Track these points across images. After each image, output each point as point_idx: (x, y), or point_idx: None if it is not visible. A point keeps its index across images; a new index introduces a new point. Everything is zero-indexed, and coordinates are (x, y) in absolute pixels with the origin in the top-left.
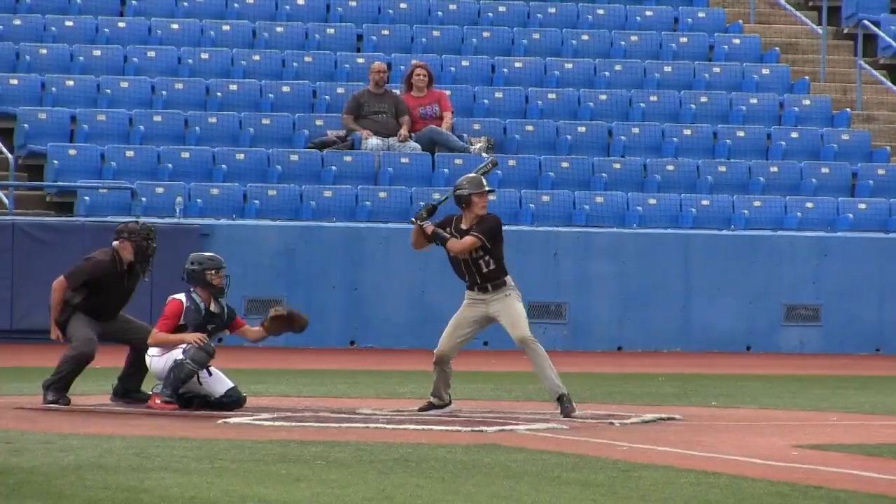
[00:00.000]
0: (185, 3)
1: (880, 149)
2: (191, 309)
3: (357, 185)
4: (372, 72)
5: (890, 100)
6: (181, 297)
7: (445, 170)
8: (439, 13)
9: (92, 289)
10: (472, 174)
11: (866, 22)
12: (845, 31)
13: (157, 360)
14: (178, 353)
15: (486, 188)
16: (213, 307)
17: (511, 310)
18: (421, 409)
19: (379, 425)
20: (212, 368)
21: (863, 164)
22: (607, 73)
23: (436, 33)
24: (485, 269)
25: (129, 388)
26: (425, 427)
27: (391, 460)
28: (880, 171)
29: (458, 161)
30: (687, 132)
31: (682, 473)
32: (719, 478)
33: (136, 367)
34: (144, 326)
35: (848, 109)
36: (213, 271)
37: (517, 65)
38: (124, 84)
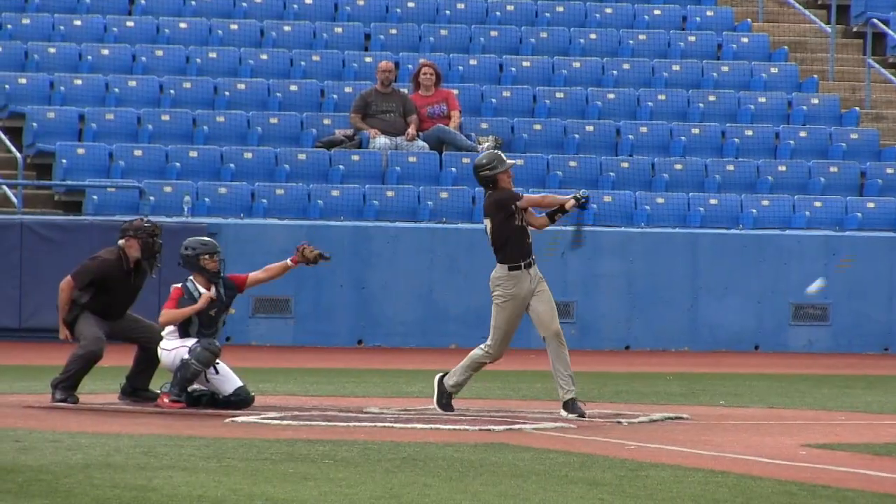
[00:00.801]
0: (193, 3)
1: (889, 147)
2: (185, 300)
3: (365, 184)
4: (379, 71)
5: None
6: (181, 285)
7: (453, 169)
8: (447, 12)
9: (99, 288)
10: (488, 153)
11: (875, 20)
12: (854, 29)
13: (167, 353)
14: (185, 353)
15: (507, 160)
16: (210, 292)
17: (548, 296)
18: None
19: (386, 424)
20: (220, 366)
21: (871, 163)
22: (615, 72)
23: (443, 32)
24: (529, 239)
25: (138, 387)
26: (433, 426)
27: (399, 459)
28: (889, 170)
29: (465, 160)
30: (695, 131)
31: (689, 472)
32: (727, 477)
33: (145, 366)
34: (152, 325)
35: (856, 108)
36: (206, 256)
37: (525, 64)
38: (132, 83)
